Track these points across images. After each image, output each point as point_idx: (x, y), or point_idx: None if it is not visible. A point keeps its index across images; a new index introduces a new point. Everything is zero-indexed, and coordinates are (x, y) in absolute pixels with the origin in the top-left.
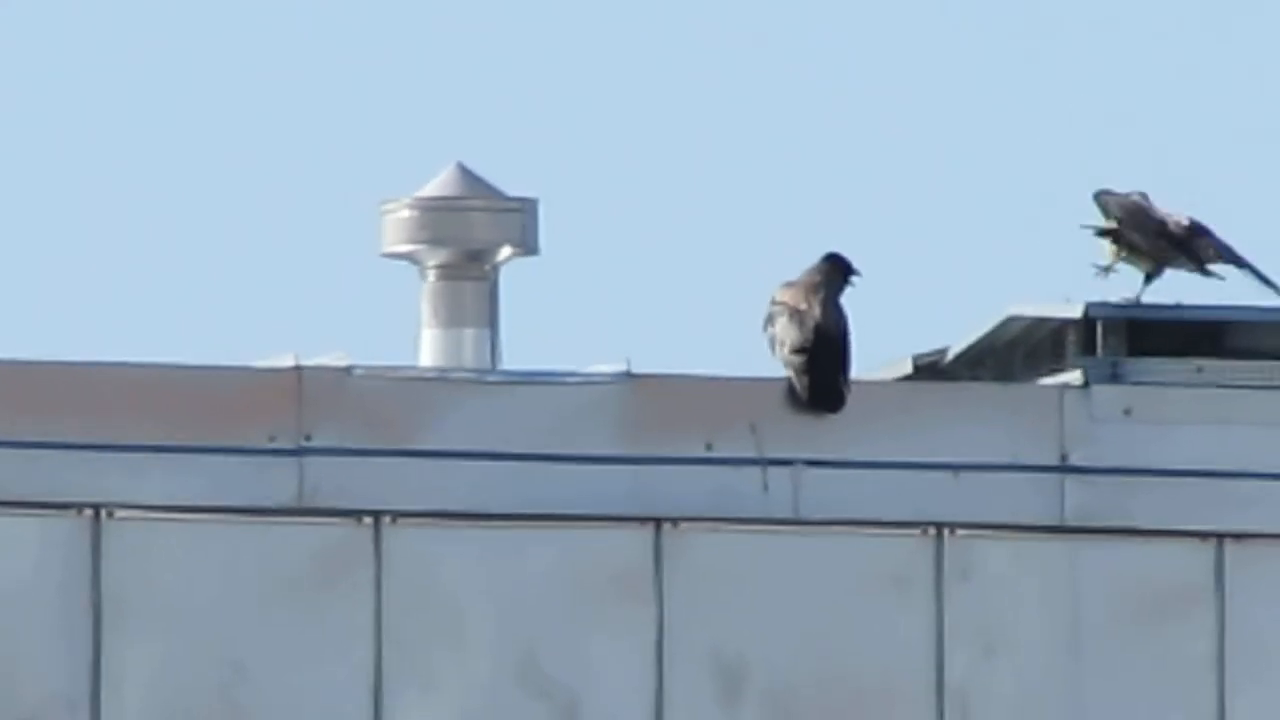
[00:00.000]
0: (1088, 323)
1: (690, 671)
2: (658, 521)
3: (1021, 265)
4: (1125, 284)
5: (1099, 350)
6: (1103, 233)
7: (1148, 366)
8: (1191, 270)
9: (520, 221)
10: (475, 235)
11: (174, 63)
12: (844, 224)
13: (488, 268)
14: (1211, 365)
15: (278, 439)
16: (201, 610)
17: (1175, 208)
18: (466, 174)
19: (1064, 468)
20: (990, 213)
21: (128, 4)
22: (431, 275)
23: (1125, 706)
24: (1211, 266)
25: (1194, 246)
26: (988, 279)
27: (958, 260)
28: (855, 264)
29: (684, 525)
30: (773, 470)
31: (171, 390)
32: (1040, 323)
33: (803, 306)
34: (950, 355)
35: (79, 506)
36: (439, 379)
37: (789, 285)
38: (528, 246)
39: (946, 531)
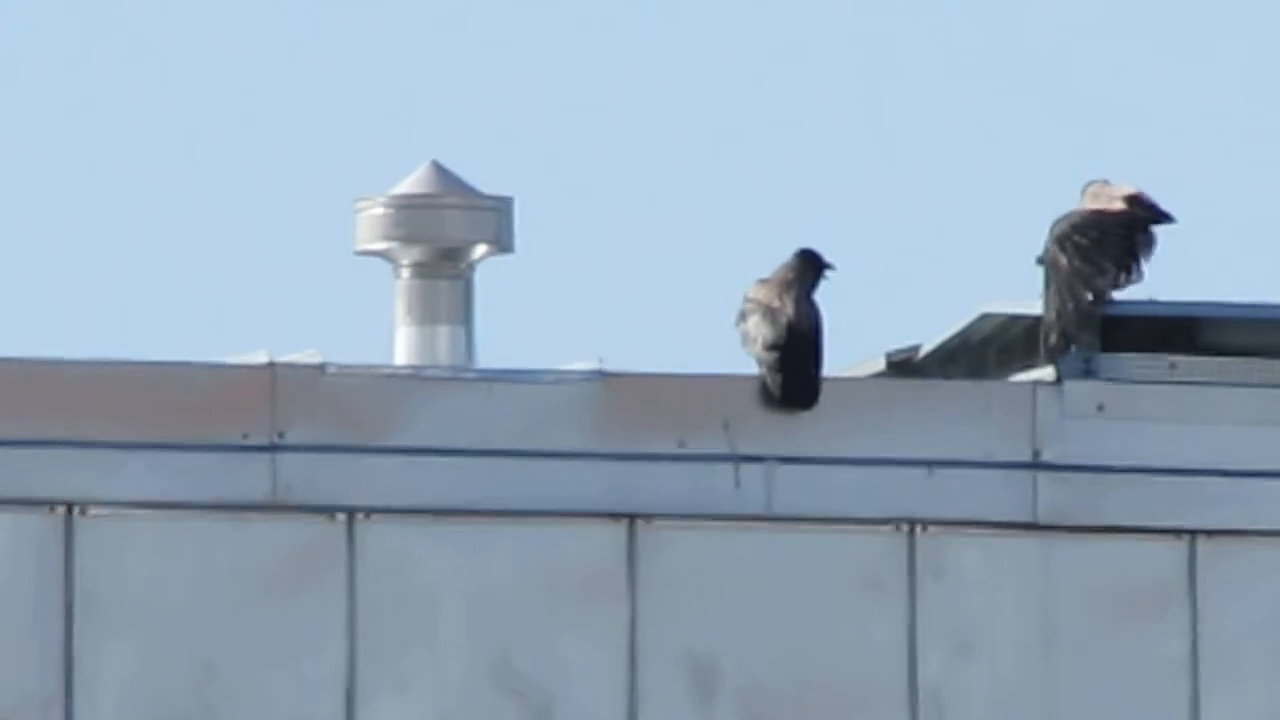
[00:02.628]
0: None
1: (664, 669)
2: (631, 519)
3: (995, 262)
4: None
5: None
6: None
7: (1121, 363)
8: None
9: (495, 219)
10: (450, 233)
11: (147, 61)
12: (818, 221)
13: (462, 266)
14: (1185, 362)
15: (251, 436)
16: (174, 607)
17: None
18: (441, 171)
19: (1037, 464)
20: (963, 210)
21: (105, 6)
22: (406, 273)
23: (1099, 703)
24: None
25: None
26: (961, 276)
27: (931, 257)
28: (828, 258)
29: (657, 522)
30: (746, 467)
31: (144, 387)
32: (1013, 320)
33: (776, 304)
34: (923, 352)
35: (51, 504)
36: (413, 376)
37: (762, 282)
38: (502, 244)
39: (919, 528)
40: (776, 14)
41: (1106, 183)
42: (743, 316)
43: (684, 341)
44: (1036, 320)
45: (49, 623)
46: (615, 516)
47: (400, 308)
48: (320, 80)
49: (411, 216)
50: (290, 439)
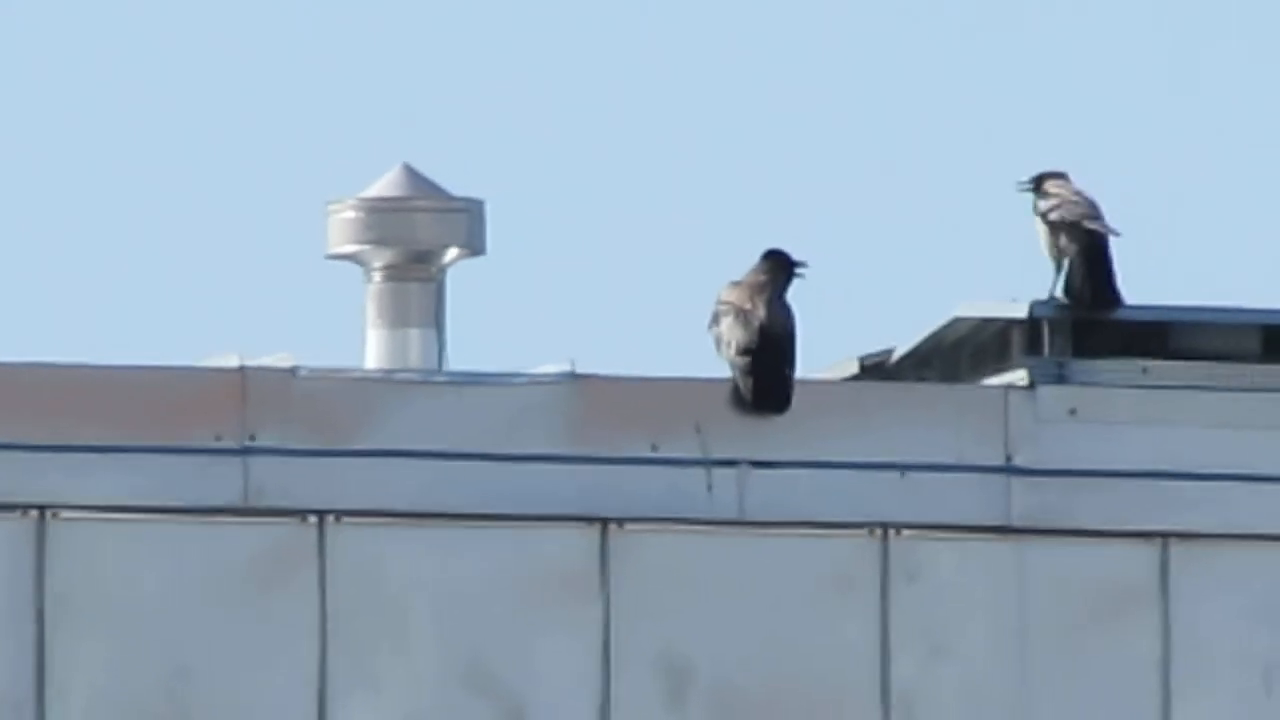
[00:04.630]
0: (1033, 323)
1: (636, 672)
2: (603, 522)
3: (967, 266)
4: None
5: (1045, 351)
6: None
7: (1093, 367)
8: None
9: (466, 222)
10: (421, 236)
11: (121, 66)
12: (791, 224)
13: (434, 268)
14: (1157, 366)
15: (223, 439)
16: (147, 610)
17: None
18: (412, 174)
19: (1009, 468)
20: (936, 213)
21: (71, 6)
22: (377, 276)
23: (1072, 707)
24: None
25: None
26: (934, 279)
27: (904, 260)
28: (798, 257)
29: (630, 526)
30: (718, 471)
31: (116, 390)
32: (986, 323)
33: (748, 306)
34: (896, 355)
35: (23, 507)
36: (384, 379)
37: (735, 285)
38: (474, 247)
39: (892, 532)
40: (749, 19)
41: (1065, 179)
42: (715, 319)
43: (656, 344)
44: (1009, 323)
45: (21, 625)
46: (588, 520)
47: (371, 311)
48: (292, 83)
49: (383, 219)
50: (262, 442)
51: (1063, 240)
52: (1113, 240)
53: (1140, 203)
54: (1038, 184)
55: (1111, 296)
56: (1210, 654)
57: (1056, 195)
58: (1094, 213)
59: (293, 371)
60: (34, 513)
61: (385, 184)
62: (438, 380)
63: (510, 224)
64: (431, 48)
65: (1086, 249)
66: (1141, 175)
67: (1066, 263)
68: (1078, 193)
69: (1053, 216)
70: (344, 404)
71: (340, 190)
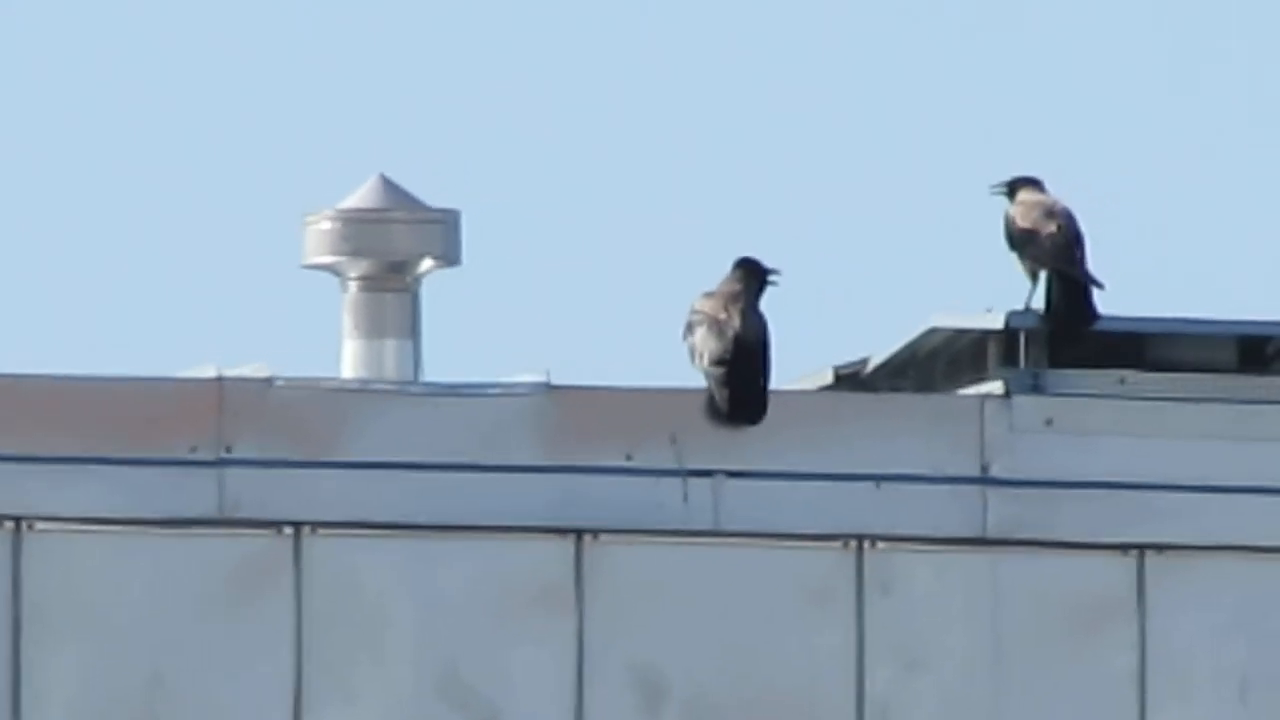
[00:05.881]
0: (1009, 334)
1: (611, 683)
2: (578, 533)
3: (943, 276)
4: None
5: (1020, 361)
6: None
7: (1069, 378)
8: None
9: (442, 233)
10: (397, 247)
11: (92, 73)
12: (765, 233)
13: (409, 279)
14: (1133, 377)
15: (199, 450)
16: (123, 621)
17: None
18: (388, 185)
19: (985, 479)
20: (912, 223)
21: (45, 13)
22: (353, 286)
23: (1047, 717)
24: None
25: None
26: (909, 290)
27: (879, 271)
28: (772, 264)
29: (604, 537)
30: (693, 481)
31: (92, 402)
32: (961, 334)
33: (722, 316)
34: (871, 366)
35: None
36: (360, 390)
37: (709, 295)
38: (449, 258)
39: (867, 544)
40: (723, 32)
41: (1038, 186)
42: (689, 329)
43: (631, 355)
44: (985, 334)
45: None
46: (563, 531)
47: (347, 321)
48: (268, 95)
49: (359, 230)
50: (238, 453)
51: (1031, 264)
52: (1086, 245)
53: (1116, 214)
54: (1011, 190)
55: (1088, 314)
56: (1186, 666)
57: (1029, 221)
58: (1065, 243)
59: (269, 382)
60: (9, 524)
61: (361, 195)
62: (413, 391)
63: (486, 235)
64: (407, 60)
65: (1061, 276)
66: (1117, 186)
67: (1043, 275)
68: (1051, 209)
69: (1028, 254)
70: (320, 415)
71: (316, 201)
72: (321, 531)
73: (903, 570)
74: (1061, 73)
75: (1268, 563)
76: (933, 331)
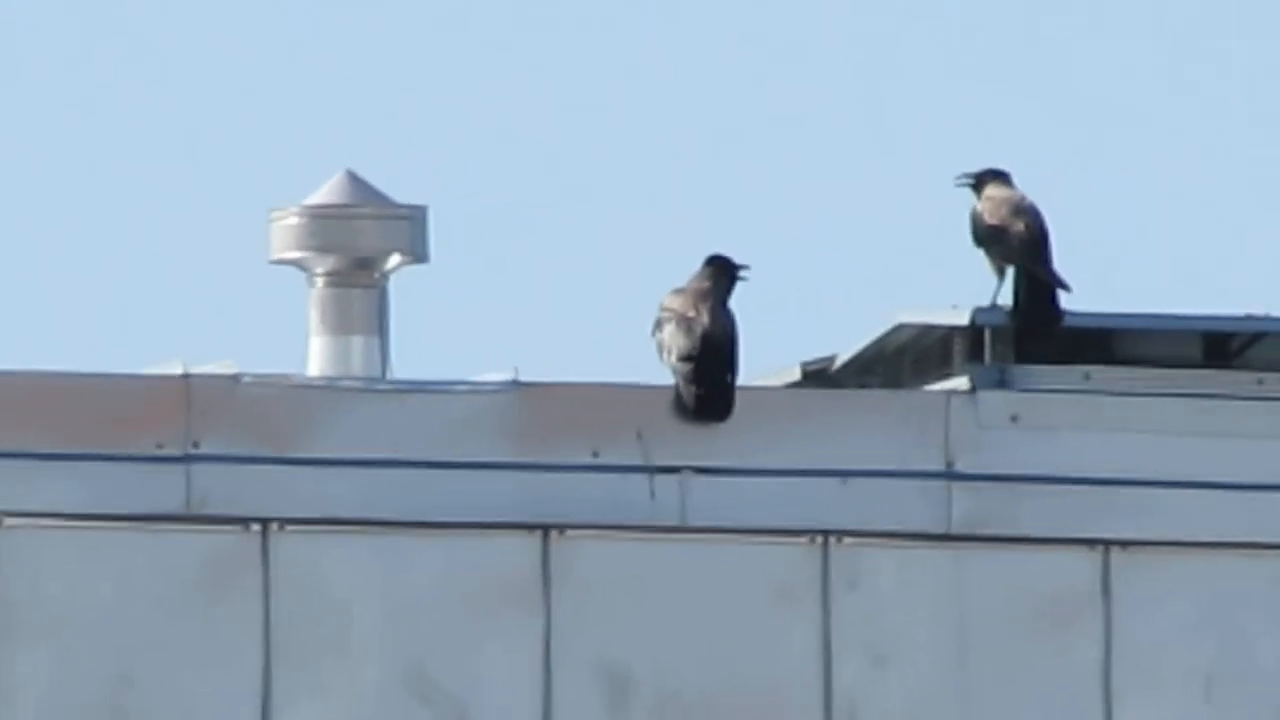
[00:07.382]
0: (975, 330)
1: (578, 679)
2: (545, 529)
3: (909, 272)
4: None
5: (986, 357)
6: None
7: (1035, 373)
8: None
9: (409, 229)
10: (364, 243)
11: (61, 68)
12: (733, 230)
13: (377, 275)
14: (1099, 372)
15: (166, 446)
16: (90, 617)
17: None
18: (356, 181)
19: (951, 474)
20: (878, 220)
21: (8, 12)
22: (320, 283)
23: (1014, 713)
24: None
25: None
26: (876, 286)
27: (846, 267)
28: (740, 260)
29: (571, 533)
30: (660, 478)
31: (59, 398)
32: (928, 330)
33: (691, 313)
34: (839, 362)
35: None
36: (327, 387)
37: (678, 292)
38: (417, 254)
39: (834, 539)
40: (691, 33)
41: (1005, 180)
42: (658, 326)
43: (598, 351)
44: (951, 330)
45: None
46: (530, 527)
47: (314, 317)
48: (234, 91)
49: (326, 226)
50: (205, 449)
51: (998, 261)
52: (1053, 242)
53: (1083, 210)
54: (978, 182)
55: (1054, 313)
56: (1152, 661)
57: (997, 218)
58: (1033, 241)
59: (236, 379)
60: None
61: (328, 191)
62: (381, 388)
63: (453, 231)
64: (374, 55)
65: (1028, 273)
66: (1082, 182)
67: (1010, 271)
68: (1018, 206)
69: (995, 251)
70: (287, 411)
71: (283, 197)
72: (289, 528)
73: (869, 565)
74: (1024, 69)
75: (1233, 558)
76: (900, 328)
